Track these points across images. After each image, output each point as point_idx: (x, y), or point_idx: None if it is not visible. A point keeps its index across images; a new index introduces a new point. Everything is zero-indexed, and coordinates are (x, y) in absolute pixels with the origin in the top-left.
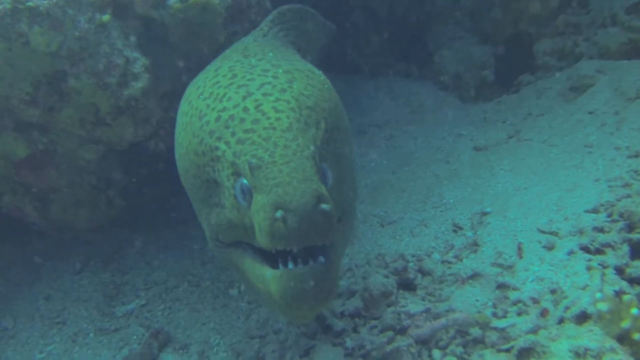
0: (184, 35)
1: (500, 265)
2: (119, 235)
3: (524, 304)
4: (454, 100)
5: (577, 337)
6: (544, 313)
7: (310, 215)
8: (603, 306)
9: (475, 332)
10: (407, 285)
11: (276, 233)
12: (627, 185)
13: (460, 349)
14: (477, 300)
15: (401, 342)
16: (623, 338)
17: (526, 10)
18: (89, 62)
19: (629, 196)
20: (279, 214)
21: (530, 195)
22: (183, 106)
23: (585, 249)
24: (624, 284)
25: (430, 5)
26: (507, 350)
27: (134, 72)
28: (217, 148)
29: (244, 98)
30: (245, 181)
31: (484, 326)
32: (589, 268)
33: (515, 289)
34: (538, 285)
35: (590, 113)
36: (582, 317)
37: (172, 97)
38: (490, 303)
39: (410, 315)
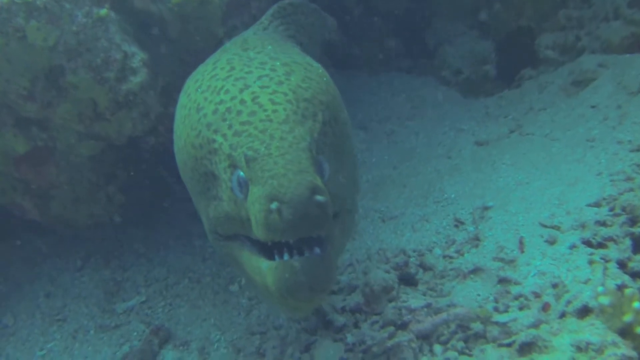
0: (183, 30)
1: (501, 260)
2: (119, 232)
3: (526, 299)
4: (455, 95)
5: (579, 331)
6: (545, 307)
7: (305, 206)
8: (605, 300)
9: (477, 326)
10: (409, 280)
11: (271, 225)
12: (629, 179)
13: (461, 344)
14: (479, 295)
15: (402, 337)
16: (625, 332)
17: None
18: (86, 56)
19: (631, 190)
20: (274, 205)
21: (532, 190)
22: (182, 99)
23: (588, 243)
24: (626, 278)
25: (431, 0)
26: (509, 345)
27: (132, 66)
28: (214, 140)
29: (241, 90)
30: (241, 173)
31: (486, 321)
32: (591, 262)
33: (516, 283)
34: (540, 280)
35: (592, 107)
36: (584, 311)
37: (171, 91)
38: (491, 298)
39: (412, 310)
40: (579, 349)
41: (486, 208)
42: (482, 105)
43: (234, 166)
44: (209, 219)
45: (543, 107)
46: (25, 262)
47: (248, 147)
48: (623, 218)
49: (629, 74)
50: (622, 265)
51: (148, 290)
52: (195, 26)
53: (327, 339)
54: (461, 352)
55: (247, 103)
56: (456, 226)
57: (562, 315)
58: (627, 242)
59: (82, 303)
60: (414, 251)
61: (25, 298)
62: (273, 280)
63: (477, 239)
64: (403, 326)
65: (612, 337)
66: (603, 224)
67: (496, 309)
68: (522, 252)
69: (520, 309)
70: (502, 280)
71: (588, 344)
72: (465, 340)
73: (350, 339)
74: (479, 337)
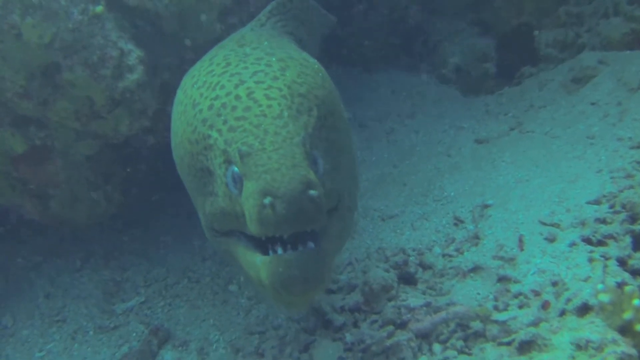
0: (179, 27)
1: (501, 258)
2: (119, 232)
3: (525, 297)
4: (455, 93)
5: (579, 329)
6: (545, 305)
7: (298, 201)
8: (605, 297)
9: (476, 325)
10: (408, 279)
11: (265, 219)
12: (629, 176)
13: (460, 343)
14: (478, 294)
15: (401, 336)
16: (625, 329)
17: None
18: (82, 54)
19: (631, 187)
20: (267, 200)
21: (532, 187)
22: (178, 95)
23: (587, 241)
24: (626, 276)
25: None
26: (508, 344)
27: (128, 64)
28: (209, 136)
29: (237, 86)
30: (236, 169)
31: (485, 319)
32: (590, 260)
33: (516, 281)
34: (539, 278)
35: (592, 104)
36: (584, 309)
37: (169, 89)
38: (491, 296)
39: (411, 309)
40: (578, 347)
41: (486, 206)
42: (482, 103)
43: (228, 162)
44: (206, 215)
45: (543, 105)
46: (25, 262)
47: (242, 142)
48: (623, 215)
49: (629, 71)
50: (622, 262)
51: (147, 290)
52: (192, 23)
53: (326, 339)
54: (460, 351)
55: (242, 98)
56: (456, 224)
57: (562, 313)
58: (627, 239)
59: (82, 304)
60: (414, 250)
61: (25, 299)
62: (267, 274)
63: (476, 237)
64: (402, 325)
65: (612, 334)
66: (603, 221)
67: (496, 308)
68: (522, 250)
69: (520, 307)
70: (502, 279)
71: (588, 342)
72: (465, 339)
73: (349, 338)
74: (479, 335)
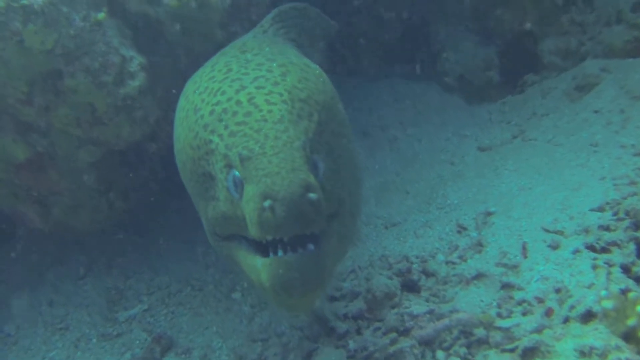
0: (181, 33)
1: (504, 265)
2: (121, 239)
3: (529, 304)
4: (458, 101)
5: (582, 336)
6: (548, 312)
7: (298, 204)
8: (608, 304)
9: (480, 332)
10: (411, 287)
11: (265, 223)
12: (632, 183)
13: (464, 350)
14: (482, 301)
15: (404, 343)
16: (629, 336)
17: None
18: (84, 60)
19: (634, 194)
20: (267, 203)
21: (535, 195)
22: (180, 101)
23: (591, 248)
24: (630, 282)
25: (434, 6)
26: (512, 350)
27: (130, 70)
28: (210, 141)
29: (238, 91)
30: (237, 173)
31: (488, 326)
32: (594, 267)
33: (520, 288)
34: (543, 285)
35: (595, 112)
36: (588, 316)
37: (171, 96)
38: (494, 303)
39: (414, 317)
40: (582, 353)
41: (489, 214)
42: (485, 111)
43: (229, 166)
44: (208, 220)
45: (546, 113)
46: (28, 269)
47: (243, 147)
48: (627, 222)
49: (632, 78)
50: (626, 269)
51: (150, 298)
52: (194, 29)
53: (329, 346)
54: (464, 358)
55: (243, 104)
56: (459, 232)
57: (566, 320)
58: (631, 246)
59: (85, 311)
60: (417, 257)
61: (28, 306)
62: (267, 276)
63: (480, 244)
64: (405, 332)
65: (615, 341)
66: (606, 228)
67: (499, 315)
68: (525, 257)
69: (524, 314)
70: (505, 286)
71: (592, 348)
72: (468, 346)
73: (352, 345)
74: (482, 342)
